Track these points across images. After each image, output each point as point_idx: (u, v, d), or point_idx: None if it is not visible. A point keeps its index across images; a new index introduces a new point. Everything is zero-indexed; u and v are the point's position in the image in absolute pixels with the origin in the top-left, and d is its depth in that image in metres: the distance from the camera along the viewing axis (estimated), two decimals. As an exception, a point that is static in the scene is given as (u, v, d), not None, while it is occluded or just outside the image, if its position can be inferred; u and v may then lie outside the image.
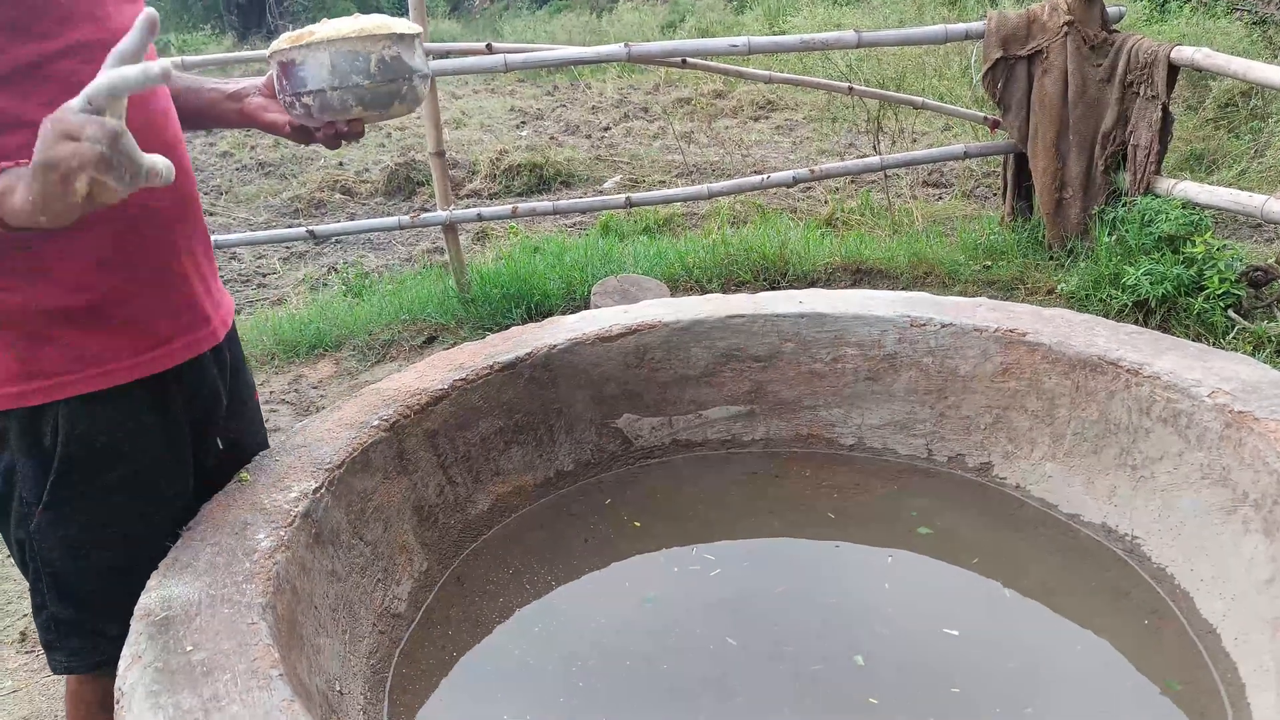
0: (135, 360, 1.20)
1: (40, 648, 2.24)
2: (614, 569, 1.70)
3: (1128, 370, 1.68)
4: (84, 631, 1.23)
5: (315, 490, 1.40)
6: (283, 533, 1.29)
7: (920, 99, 4.48)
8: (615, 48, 3.76)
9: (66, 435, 1.16)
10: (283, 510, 1.34)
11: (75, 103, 0.88)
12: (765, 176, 4.27)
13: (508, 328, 3.64)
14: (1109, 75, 3.71)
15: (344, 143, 1.33)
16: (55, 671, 1.27)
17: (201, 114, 1.36)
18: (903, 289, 3.98)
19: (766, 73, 4.45)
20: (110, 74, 0.89)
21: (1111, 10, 3.83)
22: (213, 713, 0.96)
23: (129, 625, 1.22)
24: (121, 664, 1.06)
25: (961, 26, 3.95)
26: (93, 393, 1.16)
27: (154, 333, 1.21)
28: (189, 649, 1.06)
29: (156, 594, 1.16)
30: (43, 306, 1.12)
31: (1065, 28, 3.74)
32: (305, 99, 1.23)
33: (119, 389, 1.19)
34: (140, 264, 1.19)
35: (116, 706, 1.00)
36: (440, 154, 3.93)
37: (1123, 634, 1.48)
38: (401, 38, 1.22)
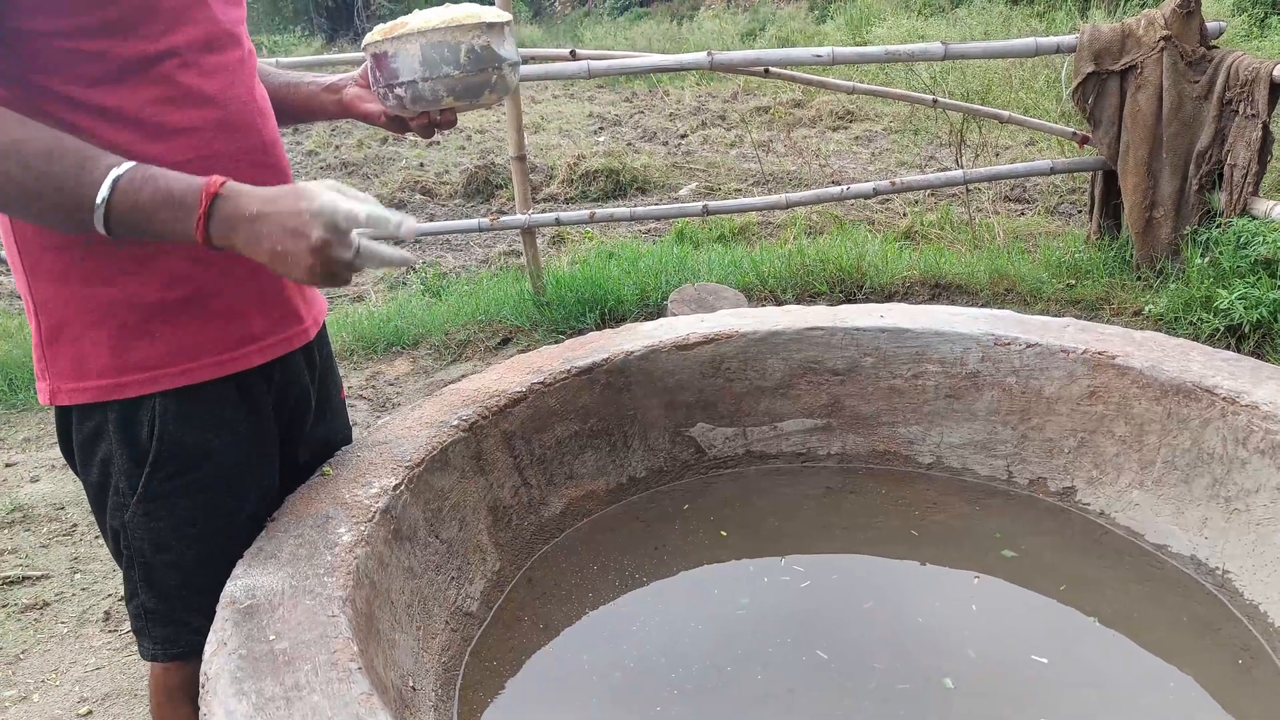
0: (228, 355, 1.22)
1: (123, 627, 2.34)
2: (684, 577, 1.70)
3: (1224, 398, 1.61)
4: (171, 621, 1.26)
5: (395, 487, 1.42)
6: (363, 527, 1.32)
7: (1006, 113, 4.38)
8: (698, 56, 3.77)
9: (161, 430, 1.18)
10: (363, 505, 1.36)
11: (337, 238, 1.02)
12: (845, 187, 4.22)
13: (582, 332, 3.68)
14: (1206, 92, 3.58)
15: (439, 131, 1.36)
16: (143, 657, 1.30)
17: (300, 108, 1.41)
18: (982, 305, 3.89)
19: (850, 83, 4.41)
20: (371, 215, 1.04)
21: (1211, 25, 3.69)
22: (294, 701, 0.99)
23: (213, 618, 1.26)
24: (207, 650, 1.09)
25: (1053, 40, 3.85)
26: (186, 387, 1.19)
27: (247, 328, 1.24)
28: (272, 638, 1.09)
29: (242, 582, 1.19)
30: (138, 300, 1.15)
31: (1162, 42, 3.62)
32: (398, 90, 1.26)
33: (211, 384, 1.21)
34: (234, 260, 1.19)
35: (202, 690, 1.03)
36: (521, 158, 3.99)
37: (1213, 672, 1.42)
38: (491, 26, 1.23)
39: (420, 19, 1.23)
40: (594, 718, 1.39)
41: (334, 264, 1.02)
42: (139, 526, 1.21)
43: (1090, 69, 3.77)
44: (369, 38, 1.28)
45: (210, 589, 1.25)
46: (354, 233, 1.03)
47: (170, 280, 1.16)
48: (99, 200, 0.99)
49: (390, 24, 1.26)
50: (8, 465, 3.24)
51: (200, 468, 1.22)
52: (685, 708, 1.38)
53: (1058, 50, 3.85)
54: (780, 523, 1.83)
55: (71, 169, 0.99)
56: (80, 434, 1.20)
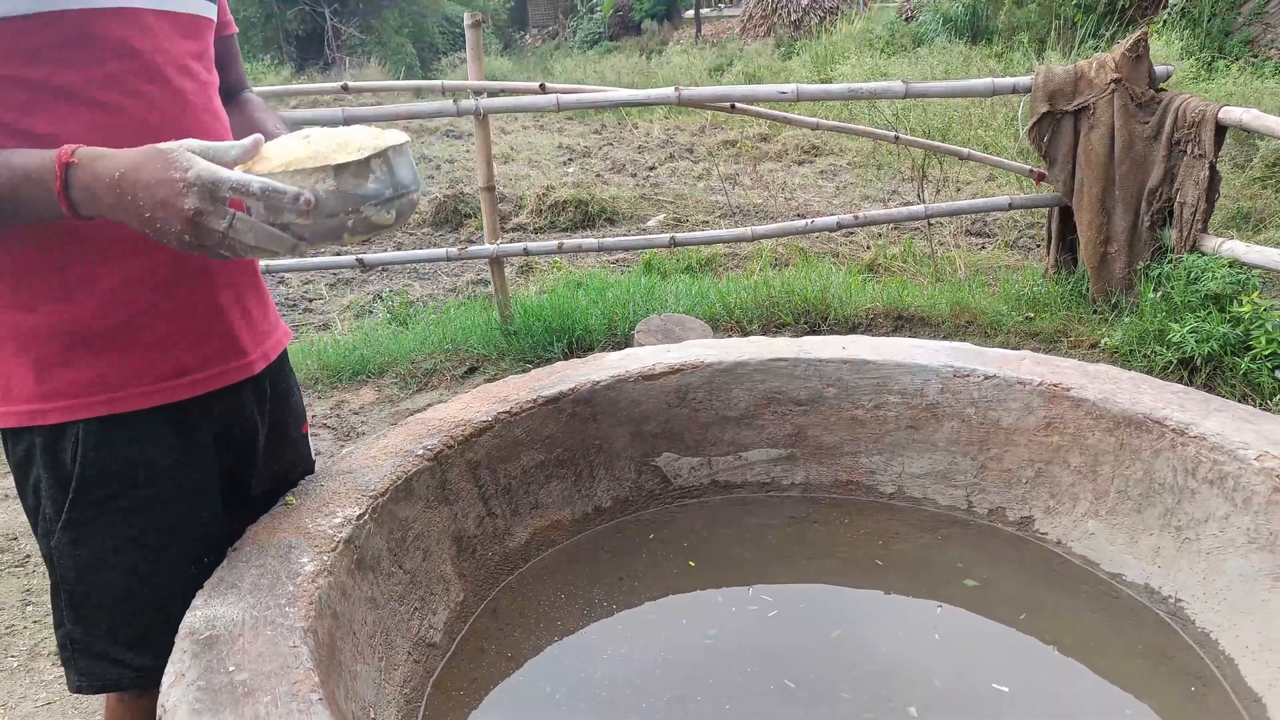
0: (154, 387, 1.20)
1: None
2: (651, 606, 1.70)
3: (1174, 430, 1.66)
4: (95, 653, 1.23)
5: (359, 516, 1.42)
6: (325, 557, 1.31)
7: (965, 150, 4.49)
8: (666, 91, 3.82)
9: (84, 457, 1.16)
10: (326, 535, 1.36)
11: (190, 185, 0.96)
12: (809, 221, 4.29)
13: (549, 361, 3.69)
14: (1156, 133, 3.71)
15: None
16: (69, 689, 1.26)
17: None
18: (944, 337, 3.96)
19: (814, 119, 4.49)
20: (266, 188, 1.00)
21: (1159, 69, 3.83)
22: (254, 733, 0.98)
23: (143, 651, 1.23)
24: (165, 681, 1.08)
25: (1009, 80, 3.97)
26: (110, 416, 1.17)
27: (177, 361, 1.21)
28: (232, 669, 1.08)
29: (201, 613, 1.18)
30: (64, 328, 1.14)
31: (1113, 85, 3.74)
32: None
33: (138, 414, 1.19)
34: (170, 292, 1.20)
35: (160, 722, 1.02)
36: (490, 188, 4.01)
37: (1167, 699, 1.45)
38: (342, 168, 1.07)
39: (280, 153, 1.10)
40: (557, 749, 1.39)
41: (207, 235, 0.98)
42: (64, 553, 1.19)
43: (1045, 109, 3.88)
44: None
45: (136, 620, 1.22)
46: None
47: (99, 310, 1.15)
48: None
49: (256, 154, 1.11)
50: (-41, 495, 3.16)
51: (126, 495, 1.19)
52: (649, 738, 1.38)
53: (1014, 90, 3.96)
54: (746, 552, 1.85)
55: None
56: (14, 457, 1.20)
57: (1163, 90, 3.79)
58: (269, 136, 1.35)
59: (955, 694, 1.46)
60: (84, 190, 0.99)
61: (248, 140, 1.07)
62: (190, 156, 0.98)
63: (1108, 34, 8.32)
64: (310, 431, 3.34)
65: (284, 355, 1.44)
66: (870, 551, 1.84)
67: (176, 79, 1.18)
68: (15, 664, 2.30)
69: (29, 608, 2.52)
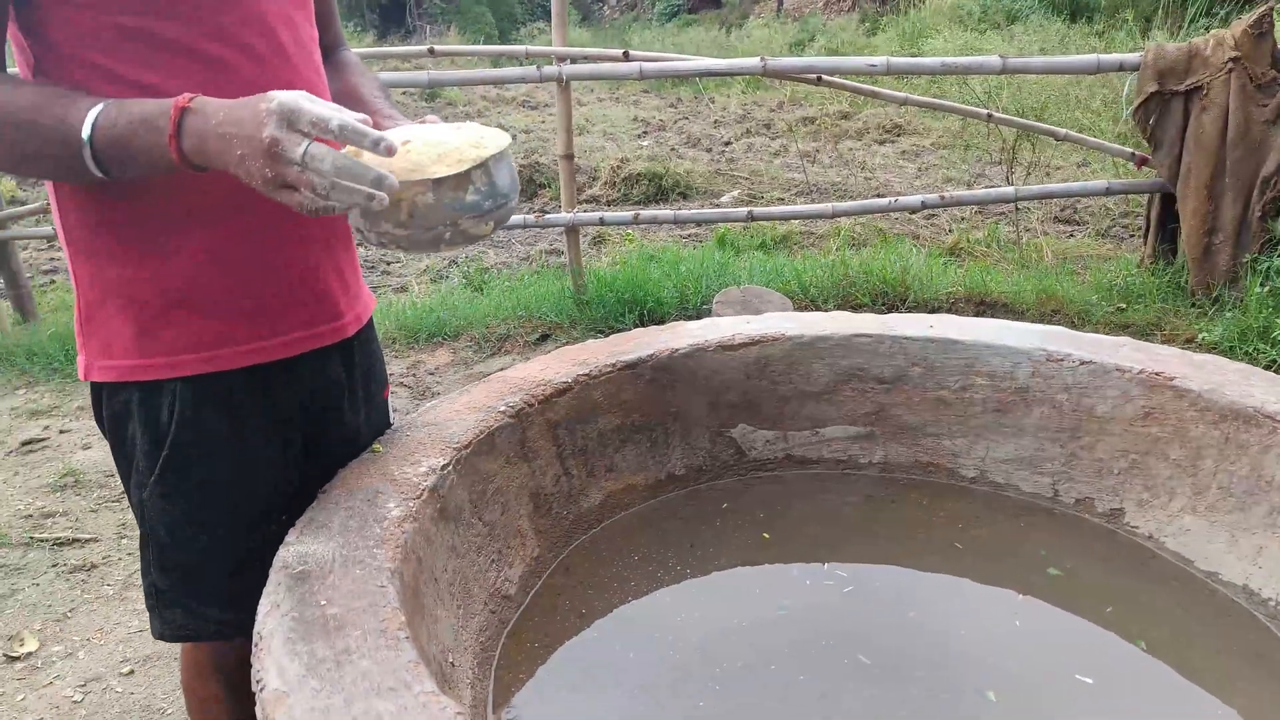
0: (249, 347, 1.21)
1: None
2: (723, 575, 1.69)
3: (1285, 425, 1.58)
4: (178, 604, 1.26)
5: (443, 467, 1.43)
6: (411, 504, 1.33)
7: (1063, 130, 4.33)
8: (751, 61, 3.76)
9: (180, 415, 1.18)
10: (412, 483, 1.38)
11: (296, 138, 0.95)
12: (893, 199, 4.19)
13: (619, 331, 3.69)
14: (1275, 117, 3.52)
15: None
16: (153, 635, 1.30)
17: None
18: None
19: (903, 94, 4.38)
20: (344, 126, 0.97)
21: (1282, 48, 3.63)
22: (344, 665, 1.00)
23: (224, 606, 1.26)
24: (261, 610, 1.10)
25: (1115, 57, 3.81)
26: (206, 375, 1.19)
27: (273, 322, 1.22)
28: (323, 603, 1.10)
29: (294, 549, 1.21)
30: (163, 286, 1.15)
31: (1230, 64, 3.56)
32: (352, 228, 1.15)
33: (232, 374, 1.20)
34: (266, 254, 1.20)
35: (255, 649, 1.05)
36: (569, 157, 4.01)
37: (1262, 704, 1.38)
38: (440, 182, 1.06)
39: (373, 157, 1.05)
40: (629, 708, 1.39)
41: (285, 165, 0.95)
42: (154, 508, 1.22)
43: (1153, 89, 3.71)
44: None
45: (217, 576, 1.25)
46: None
47: (196, 269, 1.16)
48: (84, 138, 0.99)
49: (348, 149, 1.09)
50: (62, 432, 3.31)
51: (216, 456, 1.22)
52: (724, 703, 1.38)
53: (1120, 68, 3.79)
54: (821, 528, 1.82)
55: (58, 117, 1.00)
56: (110, 410, 1.22)
57: (1282, 73, 3.60)
58: (366, 103, 1.36)
59: (1035, 682, 1.42)
60: (195, 136, 0.99)
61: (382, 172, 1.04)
62: (278, 92, 0.97)
63: (1221, 13, 7.90)
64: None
65: (370, 321, 1.46)
66: (949, 535, 1.79)
67: (281, 31, 1.19)
68: (111, 592, 2.41)
69: (124, 540, 2.63)
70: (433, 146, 1.09)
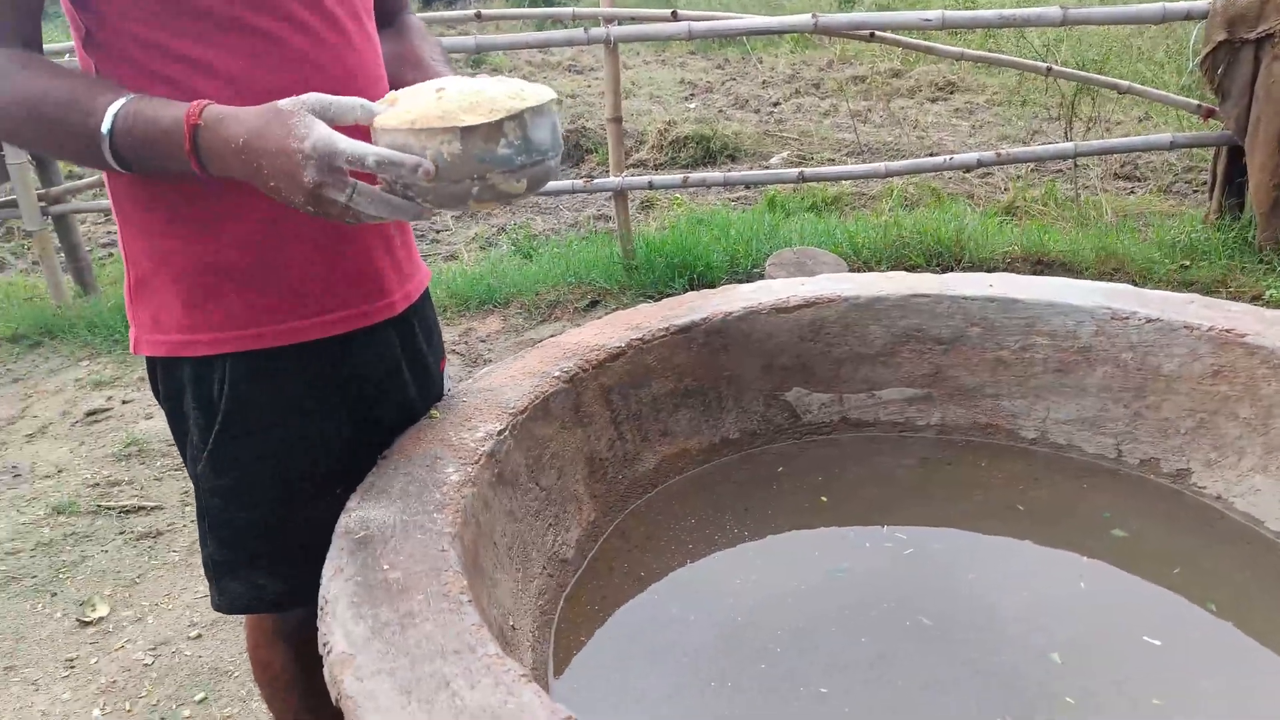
0: (299, 324, 1.21)
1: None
2: (781, 538, 1.69)
3: (1365, 383, 1.52)
4: (236, 576, 1.28)
5: (500, 432, 1.44)
6: (469, 469, 1.34)
7: (1125, 83, 4.18)
8: (802, 18, 3.69)
9: (231, 391, 1.19)
10: (469, 448, 1.39)
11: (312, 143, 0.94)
12: (947, 158, 4.10)
13: (669, 296, 3.67)
14: (1352, 62, 3.35)
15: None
16: (212, 607, 1.32)
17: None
18: (1088, 284, 3.75)
19: (959, 49, 4.26)
20: (381, 160, 0.97)
21: (1362, -10, 3.45)
22: (408, 628, 1.02)
23: (280, 577, 1.28)
24: (325, 574, 1.13)
25: (1182, 4, 3.65)
26: (253, 351, 1.19)
27: (322, 299, 1.22)
28: (385, 568, 1.12)
29: (356, 515, 1.23)
30: (212, 260, 1.15)
31: (1304, 8, 3.40)
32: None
33: (281, 350, 1.21)
34: (315, 228, 1.19)
35: (320, 612, 1.07)
36: (617, 120, 3.98)
37: (1336, 668, 1.35)
38: (469, 131, 0.99)
39: (410, 105, 1.02)
40: (688, 670, 1.40)
41: (330, 205, 0.96)
42: (208, 481, 1.24)
43: (1222, 37, 3.56)
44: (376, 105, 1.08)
45: (271, 548, 1.26)
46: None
47: (245, 244, 1.16)
48: (104, 137, 1.00)
49: (389, 96, 1.07)
50: (124, 402, 3.41)
51: (266, 429, 1.22)
52: (782, 666, 1.38)
53: (1187, 16, 3.65)
54: (877, 491, 1.81)
55: (80, 115, 1.01)
56: (165, 384, 1.23)
57: (1360, 16, 3.43)
58: (426, 66, 1.34)
59: (1102, 645, 1.39)
60: (212, 153, 0.99)
61: (375, 104, 1.05)
62: (309, 122, 0.95)
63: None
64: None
65: (426, 294, 1.45)
66: (1009, 497, 1.77)
67: (338, 9, 1.17)
68: (176, 559, 2.48)
69: (187, 508, 2.71)
70: (466, 95, 1.02)
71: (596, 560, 1.62)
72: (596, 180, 4.27)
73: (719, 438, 1.93)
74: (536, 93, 1.06)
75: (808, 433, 1.99)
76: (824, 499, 1.77)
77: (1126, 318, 1.83)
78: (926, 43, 4.30)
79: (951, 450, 1.92)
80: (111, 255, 5.50)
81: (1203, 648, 1.39)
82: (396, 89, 1.11)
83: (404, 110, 1.02)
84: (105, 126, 1.00)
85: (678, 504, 1.77)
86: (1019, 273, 3.94)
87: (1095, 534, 1.65)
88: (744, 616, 1.49)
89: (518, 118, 1.01)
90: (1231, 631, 1.42)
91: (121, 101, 1.01)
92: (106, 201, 4.96)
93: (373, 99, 1.10)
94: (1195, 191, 5.09)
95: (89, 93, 1.02)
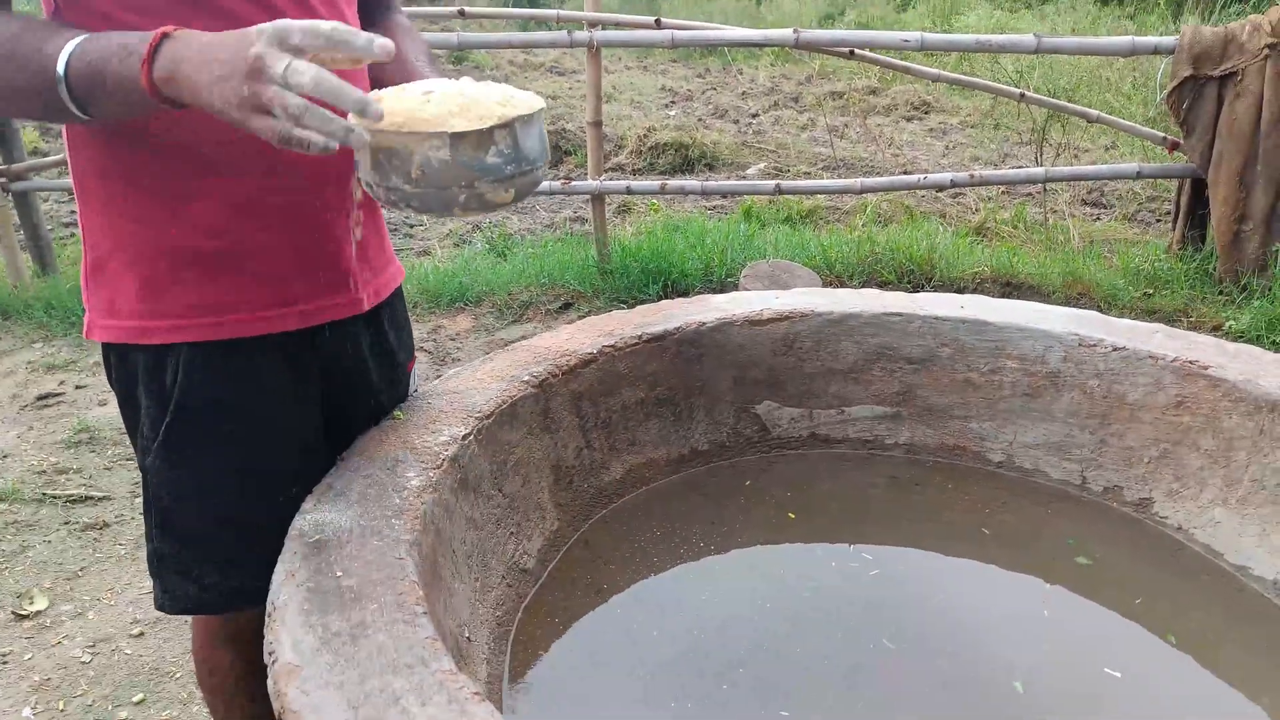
0: (259, 315, 1.17)
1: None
2: (746, 553, 1.67)
3: (1327, 420, 1.54)
4: (181, 572, 1.24)
5: (464, 436, 1.41)
6: (431, 474, 1.31)
7: (1095, 112, 4.24)
8: (784, 32, 3.69)
9: (185, 381, 1.15)
10: (432, 452, 1.36)
11: (275, 50, 0.87)
12: (922, 176, 4.12)
13: (643, 302, 3.65)
14: (1315, 103, 3.42)
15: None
16: (155, 605, 1.27)
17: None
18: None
19: (936, 70, 4.29)
20: (336, 28, 0.89)
21: (1327, 33, 3.52)
22: (360, 639, 0.98)
23: (228, 575, 1.23)
24: (276, 578, 1.09)
25: (1150, 40, 3.72)
26: (213, 341, 1.15)
27: (285, 291, 1.18)
28: (339, 574, 1.08)
29: (311, 517, 1.19)
30: (174, 245, 1.12)
31: (1266, 50, 3.47)
32: (362, 182, 1.07)
33: (241, 342, 1.17)
34: (283, 217, 1.16)
35: (269, 619, 1.03)
36: (597, 124, 3.96)
37: (1290, 703, 1.36)
38: (459, 137, 0.97)
39: (395, 108, 0.99)
40: (648, 686, 1.37)
41: (264, 83, 0.86)
42: (159, 473, 1.19)
43: (1188, 73, 3.62)
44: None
45: (223, 546, 1.22)
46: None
47: (209, 231, 1.12)
48: (59, 69, 0.94)
49: (378, 93, 1.04)
50: (78, 387, 3.32)
51: (223, 423, 1.18)
52: (746, 684, 1.36)
53: (1155, 51, 3.70)
54: (845, 509, 1.80)
55: (35, 47, 0.95)
56: (118, 371, 1.19)
57: (1325, 58, 3.50)
58: (408, 63, 1.28)
59: (1063, 674, 1.39)
60: (169, 60, 0.91)
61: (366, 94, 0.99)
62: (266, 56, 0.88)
63: (1254, -1, 7.72)
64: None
65: (398, 291, 1.42)
66: (976, 519, 1.77)
67: None
68: (122, 552, 2.41)
69: (137, 499, 2.63)
70: (455, 99, 1.00)
71: (558, 571, 1.59)
72: (574, 182, 4.24)
73: (688, 449, 1.91)
74: (526, 100, 1.04)
75: (777, 447, 1.98)
76: (791, 515, 1.76)
77: (1094, 345, 1.84)
78: (904, 63, 4.33)
79: (919, 470, 1.92)
80: (73, 235, 5.37)
81: (1162, 681, 1.40)
82: (380, 88, 1.08)
83: (391, 112, 0.99)
84: (64, 56, 0.94)
85: (644, 515, 1.75)
86: (988, 293, 3.96)
87: (1059, 560, 1.65)
88: (707, 633, 1.47)
89: (508, 126, 1.00)
90: (1191, 665, 1.43)
91: (84, 35, 0.96)
92: (69, 181, 4.84)
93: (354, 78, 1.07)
94: (1159, 220, 5.18)
95: (45, 30, 0.97)
